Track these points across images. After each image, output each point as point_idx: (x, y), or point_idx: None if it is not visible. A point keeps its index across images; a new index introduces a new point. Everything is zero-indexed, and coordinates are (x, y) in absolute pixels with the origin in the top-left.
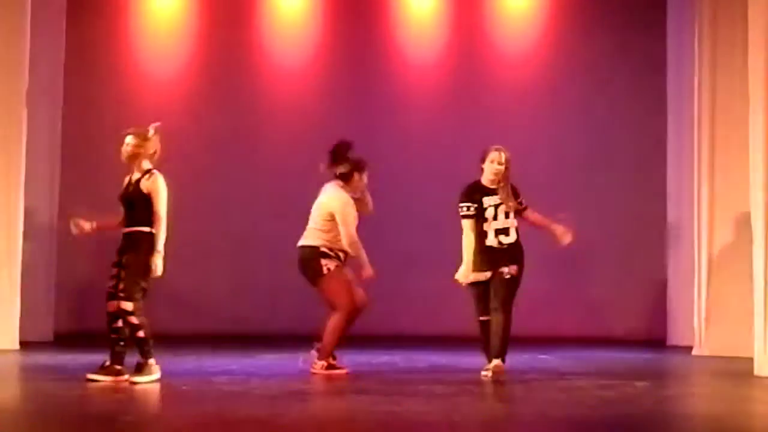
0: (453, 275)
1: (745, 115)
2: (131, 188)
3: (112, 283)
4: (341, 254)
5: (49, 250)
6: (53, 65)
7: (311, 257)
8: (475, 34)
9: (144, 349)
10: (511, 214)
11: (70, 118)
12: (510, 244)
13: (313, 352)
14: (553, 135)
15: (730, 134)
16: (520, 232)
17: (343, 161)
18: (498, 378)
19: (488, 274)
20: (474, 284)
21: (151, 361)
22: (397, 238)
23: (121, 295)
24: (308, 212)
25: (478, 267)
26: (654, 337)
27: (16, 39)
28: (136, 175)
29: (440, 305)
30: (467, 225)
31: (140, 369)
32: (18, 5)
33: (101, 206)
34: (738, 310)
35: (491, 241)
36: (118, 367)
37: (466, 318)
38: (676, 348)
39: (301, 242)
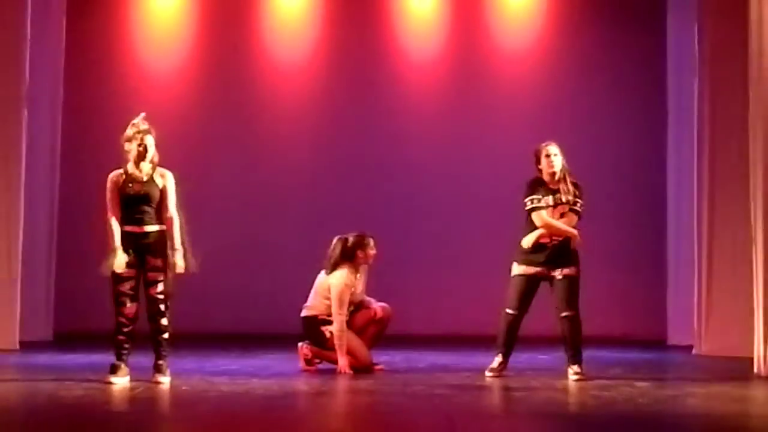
0: (454, 275)
1: (745, 115)
2: (146, 185)
3: (129, 285)
4: None
5: (49, 250)
6: (53, 65)
7: (312, 327)
8: (475, 32)
9: (167, 350)
10: (567, 216)
11: (70, 119)
12: (562, 242)
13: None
14: (553, 133)
15: (730, 134)
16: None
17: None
18: (584, 380)
19: (537, 269)
20: (518, 276)
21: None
22: (397, 237)
23: (161, 297)
24: (309, 211)
25: (527, 261)
26: (654, 337)
27: (16, 39)
28: (145, 171)
29: (440, 305)
30: (537, 217)
31: (163, 370)
32: (18, 5)
33: (100, 206)
34: (738, 310)
35: (544, 238)
36: (125, 365)
37: (466, 318)
38: (676, 348)
39: (303, 313)
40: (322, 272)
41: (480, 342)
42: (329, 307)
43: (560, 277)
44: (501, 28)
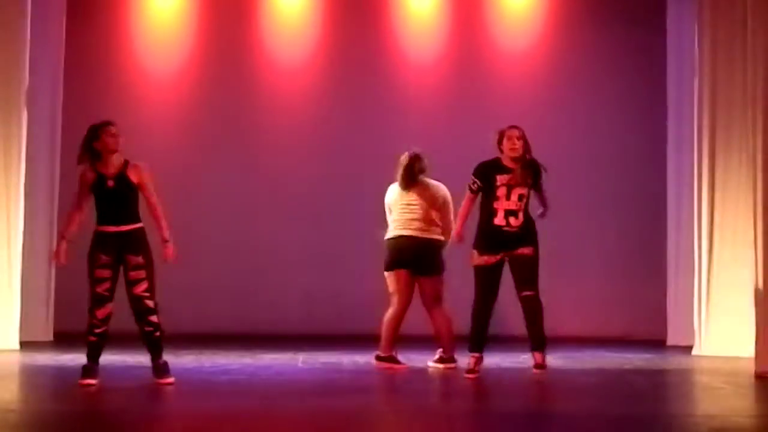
0: (455, 274)
1: (745, 114)
2: (119, 182)
3: (106, 286)
4: None
5: (49, 251)
6: (53, 65)
7: (436, 251)
8: (475, 32)
9: (161, 347)
10: (525, 198)
11: (70, 118)
12: (519, 227)
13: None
14: (553, 133)
15: (731, 133)
16: (531, 215)
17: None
18: (543, 372)
19: (498, 257)
20: (480, 268)
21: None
22: None
23: (147, 294)
24: (309, 211)
25: (485, 249)
26: (654, 337)
27: (16, 39)
28: (135, 169)
29: None
30: (467, 197)
31: (165, 369)
32: (18, 5)
33: None
34: (738, 310)
35: (500, 220)
36: (97, 367)
37: (465, 318)
38: (676, 348)
39: (422, 234)
40: (397, 190)
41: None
42: (438, 226)
43: (516, 255)
44: (500, 28)
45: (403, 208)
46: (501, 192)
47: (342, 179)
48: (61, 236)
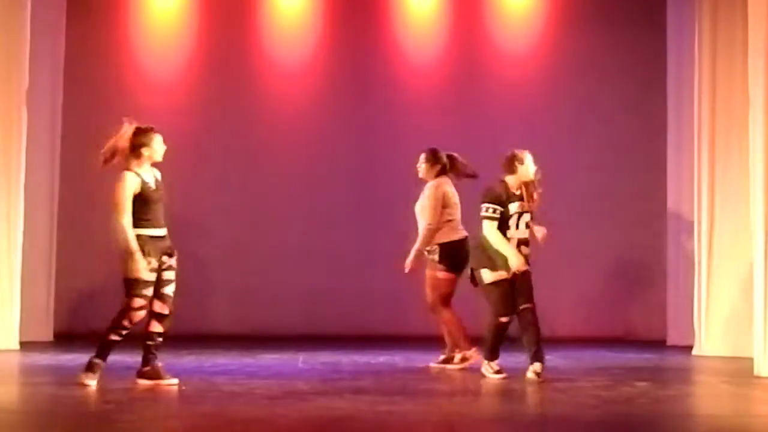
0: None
1: (745, 114)
2: (159, 186)
3: (151, 290)
4: None
5: (49, 251)
6: (53, 65)
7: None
8: (475, 33)
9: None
10: (530, 224)
11: (70, 118)
12: (526, 255)
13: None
14: (553, 133)
15: (731, 133)
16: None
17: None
18: (542, 381)
19: (509, 274)
20: (498, 282)
21: None
22: (397, 237)
23: (172, 296)
24: (309, 210)
25: (500, 266)
26: (654, 337)
27: (16, 39)
28: (156, 173)
29: None
30: (492, 226)
31: (163, 370)
32: (18, 5)
33: (100, 207)
34: (738, 310)
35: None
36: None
37: (465, 319)
38: (676, 348)
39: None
40: (452, 186)
41: (479, 343)
42: None
43: (519, 271)
44: (500, 28)
45: (458, 206)
46: (512, 221)
47: (342, 179)
48: (135, 251)
